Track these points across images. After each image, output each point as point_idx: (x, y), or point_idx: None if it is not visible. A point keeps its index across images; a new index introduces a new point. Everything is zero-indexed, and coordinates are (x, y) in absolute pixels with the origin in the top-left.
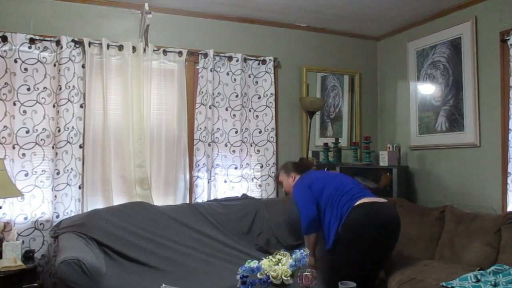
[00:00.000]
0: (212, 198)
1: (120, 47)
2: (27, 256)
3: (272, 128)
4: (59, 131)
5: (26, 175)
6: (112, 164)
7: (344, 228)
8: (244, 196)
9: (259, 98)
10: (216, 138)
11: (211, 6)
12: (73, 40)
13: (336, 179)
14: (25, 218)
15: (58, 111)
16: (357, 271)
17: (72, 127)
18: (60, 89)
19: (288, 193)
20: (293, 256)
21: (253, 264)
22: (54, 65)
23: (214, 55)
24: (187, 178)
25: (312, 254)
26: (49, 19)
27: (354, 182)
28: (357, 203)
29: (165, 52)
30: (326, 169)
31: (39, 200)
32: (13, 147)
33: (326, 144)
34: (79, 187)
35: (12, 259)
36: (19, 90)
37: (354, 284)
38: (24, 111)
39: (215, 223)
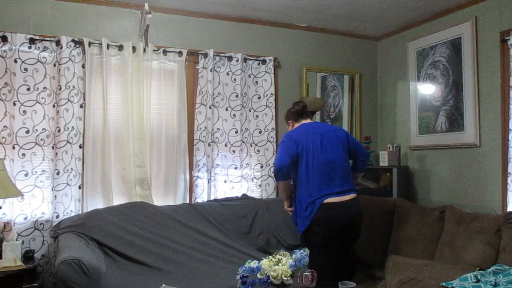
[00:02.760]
0: (212, 198)
1: (120, 47)
2: (27, 256)
3: (272, 128)
4: (59, 131)
5: (26, 175)
6: (112, 164)
7: (305, 223)
8: (244, 196)
9: (259, 98)
10: (216, 138)
11: (211, 6)
12: (73, 40)
13: (325, 156)
14: (25, 218)
15: (58, 111)
16: (322, 263)
17: (72, 127)
18: (60, 89)
19: None
20: (293, 256)
21: (253, 264)
22: (54, 65)
23: (214, 55)
24: (187, 178)
25: (286, 199)
26: (49, 19)
27: (332, 166)
28: (322, 201)
29: (165, 52)
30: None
31: (39, 200)
32: (13, 147)
33: None
34: (79, 187)
35: (12, 259)
36: (19, 90)
37: (354, 284)
38: (24, 111)
39: (215, 223)
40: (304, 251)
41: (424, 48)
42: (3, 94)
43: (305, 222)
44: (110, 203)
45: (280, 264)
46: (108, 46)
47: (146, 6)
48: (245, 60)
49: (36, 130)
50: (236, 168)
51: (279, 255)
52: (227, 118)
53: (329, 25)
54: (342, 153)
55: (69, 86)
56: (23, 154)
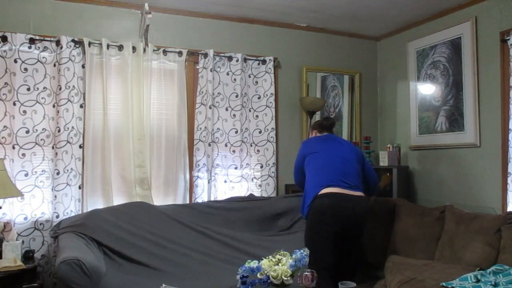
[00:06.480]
0: (212, 198)
1: (120, 47)
2: (27, 256)
3: (272, 128)
4: (59, 131)
5: (26, 175)
6: (112, 164)
7: (311, 211)
8: (251, 196)
9: (259, 98)
10: (216, 138)
11: (211, 6)
12: (73, 40)
13: (340, 154)
14: (25, 218)
15: (58, 111)
16: (322, 255)
17: (72, 127)
18: (60, 89)
19: None
20: (293, 256)
21: (253, 264)
22: (54, 65)
23: (214, 55)
24: (187, 178)
25: None
26: (49, 19)
27: (344, 163)
28: (328, 191)
29: (165, 52)
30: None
31: (39, 200)
32: (13, 147)
33: None
34: (79, 187)
35: (12, 259)
36: (19, 90)
37: (354, 284)
38: (24, 111)
39: (215, 223)
40: (304, 251)
41: (424, 48)
42: (3, 94)
43: (311, 206)
44: (110, 203)
45: (280, 264)
46: (108, 46)
47: (146, 6)
48: (245, 60)
49: (36, 130)
50: (236, 168)
51: (279, 255)
52: (227, 118)
53: (329, 25)
54: (356, 161)
55: (69, 86)
56: (23, 154)
